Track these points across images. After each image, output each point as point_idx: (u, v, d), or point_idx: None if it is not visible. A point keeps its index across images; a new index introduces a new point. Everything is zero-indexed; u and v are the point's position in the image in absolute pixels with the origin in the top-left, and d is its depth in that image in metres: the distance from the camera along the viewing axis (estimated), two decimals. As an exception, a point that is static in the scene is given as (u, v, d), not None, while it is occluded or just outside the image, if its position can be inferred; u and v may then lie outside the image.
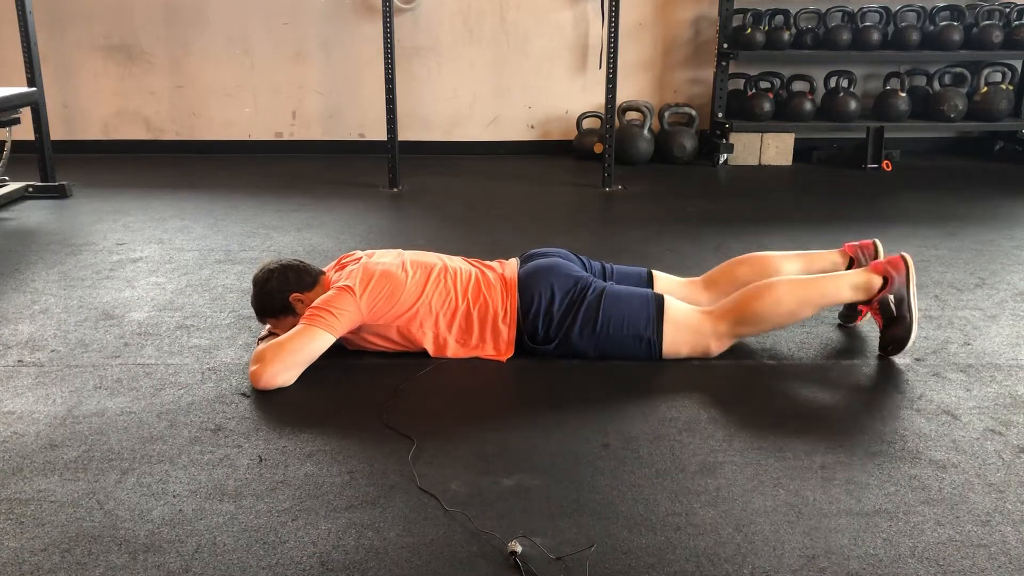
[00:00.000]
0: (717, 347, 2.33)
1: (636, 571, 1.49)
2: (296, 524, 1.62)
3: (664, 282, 2.52)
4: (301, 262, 2.38)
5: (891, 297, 2.30)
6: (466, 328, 2.32)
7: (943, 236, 3.58)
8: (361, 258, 2.41)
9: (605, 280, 2.45)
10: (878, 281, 2.31)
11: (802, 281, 2.35)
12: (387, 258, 2.36)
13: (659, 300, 2.31)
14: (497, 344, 2.33)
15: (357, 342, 2.33)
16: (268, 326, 2.38)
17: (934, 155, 5.52)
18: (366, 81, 5.35)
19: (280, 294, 2.30)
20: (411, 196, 4.42)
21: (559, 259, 2.42)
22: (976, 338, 2.52)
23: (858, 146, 5.19)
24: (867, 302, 2.35)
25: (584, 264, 2.49)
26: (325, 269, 2.43)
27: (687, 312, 2.33)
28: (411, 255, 2.40)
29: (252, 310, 2.38)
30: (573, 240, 3.48)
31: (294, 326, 2.24)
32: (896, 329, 2.33)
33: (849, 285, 2.33)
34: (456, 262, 2.42)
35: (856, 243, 2.58)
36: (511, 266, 2.44)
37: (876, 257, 2.53)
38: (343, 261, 2.44)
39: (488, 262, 2.48)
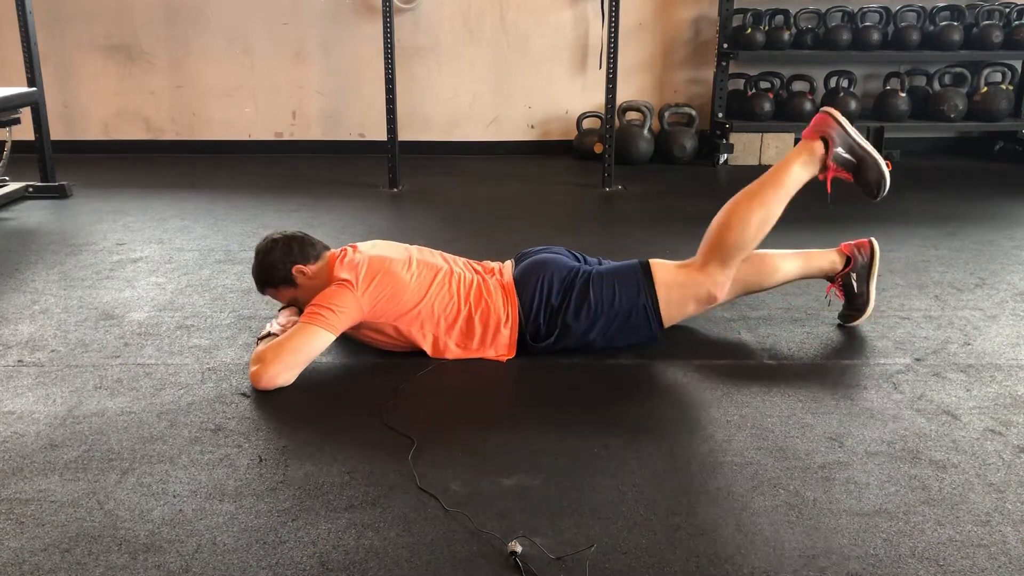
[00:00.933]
0: (718, 290, 2.34)
1: (636, 571, 1.49)
2: (296, 524, 1.62)
3: (659, 262, 2.52)
4: (305, 234, 2.37)
5: (840, 150, 2.33)
6: (467, 333, 2.32)
7: (943, 236, 3.58)
8: (368, 247, 2.38)
9: None
10: (819, 145, 2.34)
11: (754, 188, 2.38)
12: (395, 254, 2.34)
13: (644, 264, 2.34)
14: (498, 348, 2.33)
15: (354, 336, 2.33)
16: (268, 327, 2.38)
17: (934, 155, 5.52)
18: (366, 81, 5.35)
19: (283, 265, 2.29)
20: (411, 196, 4.42)
21: (549, 254, 2.43)
22: (976, 338, 2.52)
23: (858, 146, 5.19)
24: (823, 168, 2.36)
25: (578, 259, 2.49)
26: (334, 249, 2.41)
27: (673, 269, 2.36)
28: (418, 254, 2.40)
29: (253, 310, 2.39)
30: (573, 240, 3.46)
31: (293, 297, 2.26)
32: (866, 173, 2.36)
33: (797, 164, 2.36)
34: (460, 266, 2.42)
35: (853, 242, 2.58)
36: (507, 270, 2.44)
37: (873, 256, 2.55)
38: (355, 246, 2.41)
39: (488, 265, 2.48)
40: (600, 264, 2.51)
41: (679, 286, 2.33)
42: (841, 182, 2.40)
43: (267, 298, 2.77)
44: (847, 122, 2.34)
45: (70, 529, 1.61)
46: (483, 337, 2.32)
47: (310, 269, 2.30)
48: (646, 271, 2.34)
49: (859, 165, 2.34)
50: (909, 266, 3.19)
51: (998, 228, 3.72)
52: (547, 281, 2.32)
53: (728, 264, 2.34)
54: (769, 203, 2.34)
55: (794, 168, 2.36)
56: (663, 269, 2.36)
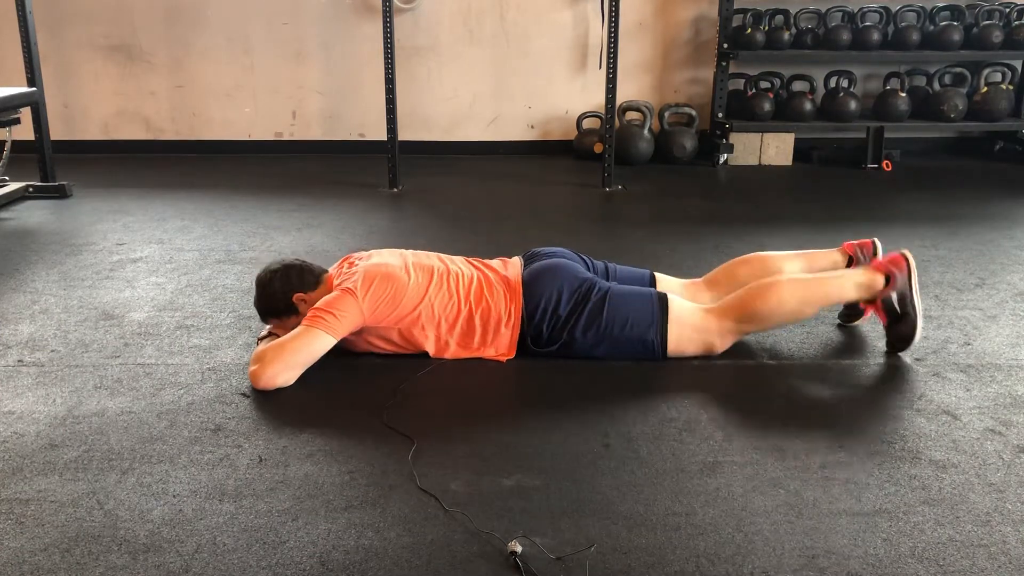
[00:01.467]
0: (721, 345, 2.33)
1: (636, 571, 1.49)
2: (296, 524, 1.62)
3: (666, 284, 2.52)
4: (303, 262, 2.38)
5: (894, 295, 2.31)
6: (468, 331, 2.32)
7: (943, 236, 3.58)
8: (364, 257, 2.41)
9: (608, 280, 2.45)
10: (881, 280, 2.32)
11: (805, 280, 2.35)
12: (391, 260, 2.36)
13: (663, 299, 2.32)
14: (499, 347, 2.33)
15: (359, 344, 2.33)
16: (269, 326, 2.38)
17: (934, 155, 5.52)
18: (366, 81, 5.35)
19: (283, 295, 2.30)
20: (411, 196, 4.42)
21: (563, 259, 2.41)
22: (976, 338, 2.52)
23: (858, 146, 5.19)
24: (870, 301, 2.36)
25: (587, 264, 2.48)
26: (329, 269, 2.43)
27: (691, 311, 2.34)
28: (414, 257, 2.40)
29: (252, 310, 2.39)
30: (574, 240, 3.47)
31: (298, 321, 2.25)
32: (901, 327, 2.34)
33: (853, 284, 2.35)
34: (458, 264, 2.42)
35: (855, 242, 2.58)
36: (514, 266, 2.43)
37: (875, 256, 2.54)
38: (348, 260, 2.44)
39: (489, 262, 2.47)
40: (607, 269, 2.50)
41: (690, 327, 2.31)
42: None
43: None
44: (916, 274, 2.33)
45: (70, 529, 1.61)
46: (484, 335, 2.32)
47: (310, 296, 2.31)
48: (663, 306, 2.31)
49: (901, 318, 2.34)
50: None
51: (998, 228, 3.72)
52: (557, 290, 2.30)
53: (742, 328, 2.34)
54: (809, 300, 2.32)
55: (848, 285, 2.36)
56: (680, 307, 2.33)
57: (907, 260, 2.33)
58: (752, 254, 2.59)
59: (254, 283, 2.38)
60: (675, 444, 1.92)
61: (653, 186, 4.68)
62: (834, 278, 2.38)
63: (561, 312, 2.30)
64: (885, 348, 2.41)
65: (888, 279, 2.32)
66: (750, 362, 2.37)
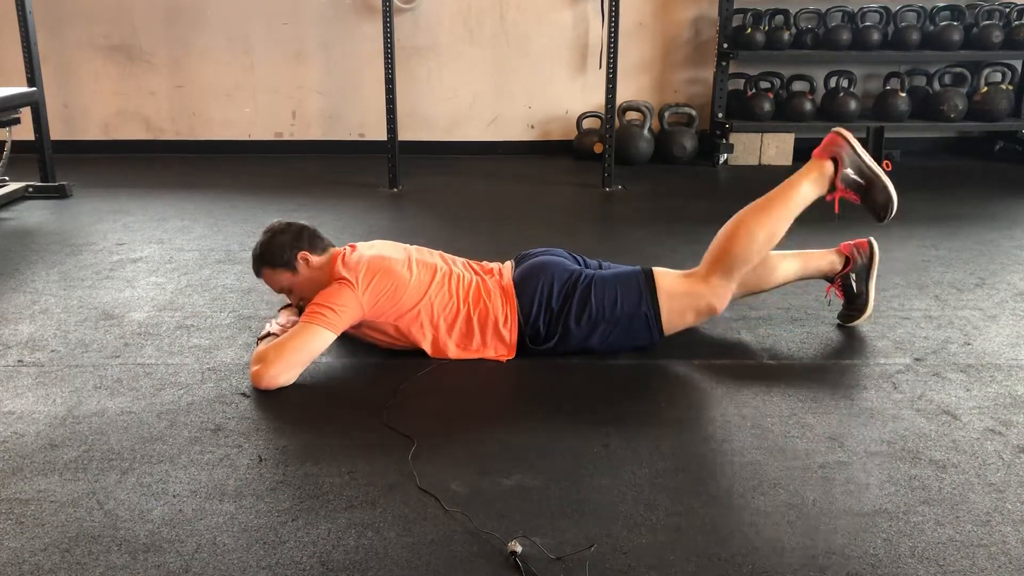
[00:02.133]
0: (719, 302, 2.33)
1: (636, 571, 1.49)
2: (296, 524, 1.62)
3: (662, 270, 2.52)
4: (316, 228, 2.40)
5: (849, 171, 2.35)
6: (466, 333, 2.32)
7: (943, 236, 3.58)
8: (366, 248, 2.39)
9: None
10: (828, 164, 2.36)
11: (762, 203, 2.37)
12: (394, 253, 2.35)
13: (647, 272, 2.33)
14: (498, 349, 2.33)
15: (354, 334, 2.33)
16: (268, 326, 2.38)
17: (934, 155, 5.52)
18: (366, 81, 5.35)
19: (291, 248, 2.30)
20: (411, 196, 4.42)
21: (550, 256, 2.43)
22: (976, 338, 2.52)
23: (858, 146, 5.19)
24: (832, 189, 2.38)
25: (579, 262, 2.49)
26: (337, 248, 2.42)
27: (676, 278, 2.35)
28: (417, 253, 2.40)
29: (253, 310, 2.39)
30: (573, 240, 3.48)
31: (287, 287, 2.29)
32: (875, 195, 2.39)
33: (806, 181, 2.37)
34: (458, 267, 2.42)
35: (852, 242, 2.59)
36: (507, 271, 2.44)
37: (872, 256, 2.55)
38: (352, 246, 2.42)
39: (487, 266, 2.48)
40: (601, 267, 2.51)
41: (681, 295, 2.32)
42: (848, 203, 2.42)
43: (266, 297, 2.78)
44: (858, 143, 2.35)
45: (70, 529, 1.61)
46: (482, 338, 2.32)
47: (315, 260, 2.31)
48: (648, 279, 2.33)
49: (868, 187, 2.36)
50: (909, 266, 3.19)
51: (998, 228, 3.72)
52: (547, 285, 2.31)
53: (731, 277, 2.33)
54: (776, 219, 2.34)
55: (803, 186, 2.37)
56: (666, 278, 2.35)
57: (841, 135, 2.36)
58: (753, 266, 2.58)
59: (263, 231, 2.37)
60: (676, 444, 1.92)
61: (653, 186, 4.68)
62: (786, 185, 2.38)
63: (554, 305, 2.30)
64: (872, 215, 2.44)
65: (836, 161, 2.34)
66: (750, 362, 2.37)
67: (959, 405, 2.11)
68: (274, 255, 2.32)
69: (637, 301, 2.30)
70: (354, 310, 2.21)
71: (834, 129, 2.38)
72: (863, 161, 2.34)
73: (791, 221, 2.38)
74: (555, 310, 2.31)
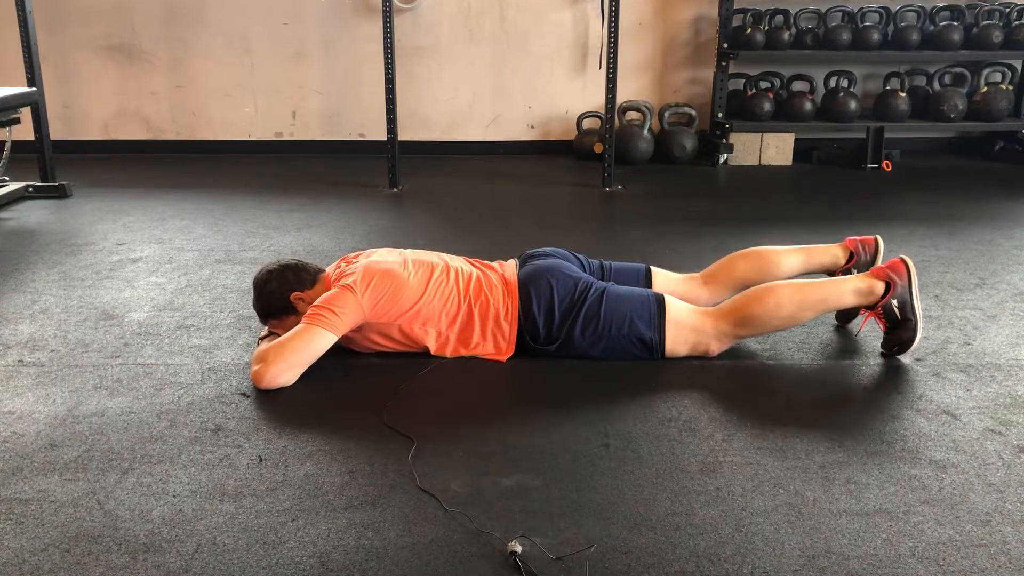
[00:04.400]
0: (717, 347, 2.33)
1: (636, 571, 1.49)
2: (296, 524, 1.62)
3: (663, 278, 2.53)
4: (299, 261, 2.38)
5: (894, 302, 2.29)
6: (467, 327, 2.32)
7: (943, 236, 3.58)
8: (362, 256, 2.42)
9: (604, 279, 2.45)
10: (880, 287, 2.30)
11: (804, 285, 2.34)
12: (389, 257, 2.37)
13: (660, 300, 2.32)
14: (498, 343, 2.33)
15: (360, 342, 2.33)
16: (268, 326, 2.38)
17: (934, 155, 5.52)
18: (366, 81, 5.35)
19: (281, 295, 2.30)
20: (411, 196, 4.42)
21: (557, 259, 2.42)
22: (976, 338, 2.52)
23: (858, 146, 5.19)
24: (870, 307, 2.34)
25: (582, 263, 2.49)
26: (327, 268, 2.43)
27: (688, 312, 2.33)
28: (412, 254, 2.41)
29: (252, 310, 2.39)
30: (573, 240, 3.48)
31: (298, 320, 2.25)
32: (901, 332, 2.32)
33: (851, 290, 2.32)
34: (457, 262, 2.43)
35: (857, 237, 2.58)
36: (510, 267, 2.44)
37: (877, 253, 2.54)
38: (345, 260, 2.44)
39: (488, 263, 2.48)
40: (603, 267, 2.51)
41: (687, 328, 2.31)
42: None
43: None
44: (916, 280, 2.30)
45: (70, 529, 1.61)
46: (483, 331, 2.32)
47: (308, 295, 2.31)
48: (661, 308, 2.31)
49: (901, 323, 2.31)
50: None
51: (998, 228, 3.72)
52: (551, 288, 2.31)
53: (738, 332, 2.33)
54: (807, 305, 2.30)
55: (847, 291, 2.32)
56: (677, 308, 2.33)
57: (907, 266, 2.31)
58: (751, 249, 2.58)
59: (251, 285, 2.38)
60: (675, 444, 1.92)
61: (653, 186, 4.68)
62: (833, 284, 2.36)
63: (556, 311, 2.30)
64: (881, 349, 2.40)
65: (888, 286, 2.30)
66: (750, 362, 2.37)
67: (959, 405, 2.11)
68: (271, 306, 2.33)
69: (645, 326, 2.29)
70: (355, 312, 2.21)
71: (904, 256, 2.33)
72: (911, 301, 2.29)
73: (816, 315, 2.36)
74: (557, 316, 2.30)
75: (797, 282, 2.36)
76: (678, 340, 2.31)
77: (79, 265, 3.21)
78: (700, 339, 2.31)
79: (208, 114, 5.47)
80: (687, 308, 2.35)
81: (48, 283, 3.01)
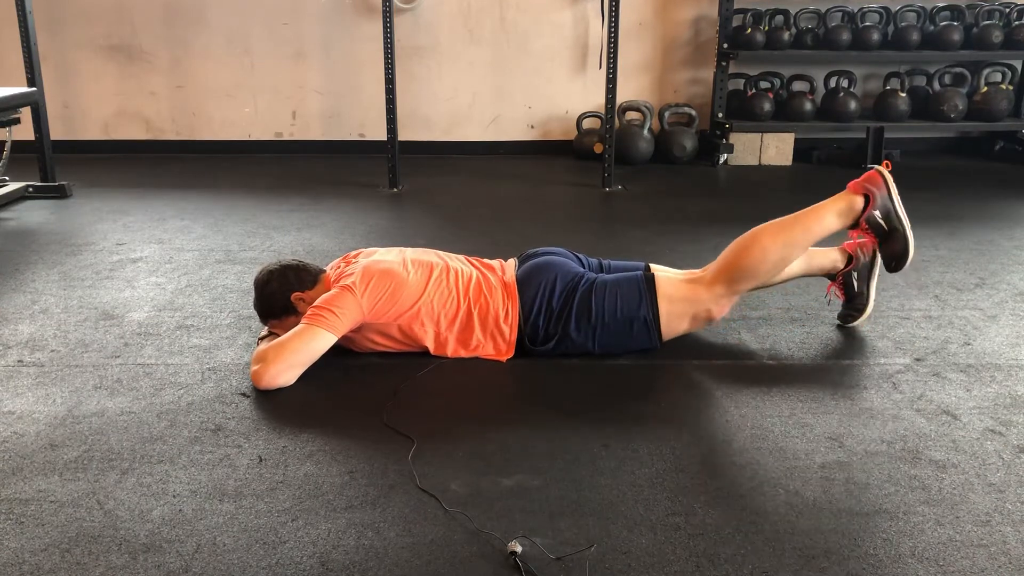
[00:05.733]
0: (719, 310, 2.32)
1: (636, 571, 1.49)
2: (296, 524, 1.62)
3: (663, 275, 2.52)
4: (300, 262, 2.38)
5: (877, 213, 2.28)
6: (467, 327, 2.32)
7: (943, 236, 3.58)
8: (362, 255, 2.42)
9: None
10: (860, 201, 2.30)
11: (783, 223, 2.33)
12: (388, 256, 2.37)
13: (648, 277, 2.32)
14: (497, 344, 2.33)
15: (359, 342, 2.33)
16: (268, 326, 2.38)
17: (934, 155, 5.52)
18: (366, 81, 5.35)
19: (281, 295, 2.30)
20: (411, 196, 4.42)
21: (555, 257, 2.42)
22: (976, 338, 2.52)
23: (858, 146, 5.20)
24: (854, 225, 2.33)
25: (582, 262, 2.49)
26: (327, 268, 2.43)
27: (678, 283, 2.33)
28: (412, 254, 2.41)
29: (252, 310, 2.39)
30: (573, 240, 3.47)
31: (299, 320, 2.25)
32: (892, 244, 2.32)
33: (833, 212, 2.32)
34: (457, 262, 2.43)
35: (855, 240, 2.57)
36: (510, 267, 2.44)
37: (875, 256, 2.54)
38: (345, 259, 2.44)
39: (488, 262, 2.48)
40: (602, 265, 2.51)
41: (680, 300, 2.31)
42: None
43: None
44: (895, 188, 2.29)
45: (70, 529, 1.61)
46: (483, 332, 2.32)
47: (309, 295, 2.31)
48: (650, 284, 2.31)
49: (889, 234, 2.31)
50: (909, 266, 3.16)
51: (998, 228, 3.72)
52: (549, 285, 2.31)
53: (735, 288, 2.32)
54: (793, 242, 2.30)
55: (828, 215, 2.33)
56: (667, 283, 2.33)
57: (882, 175, 2.29)
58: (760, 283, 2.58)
59: (252, 285, 2.38)
60: (675, 444, 1.92)
61: (653, 186, 4.68)
62: (812, 212, 2.34)
63: (555, 306, 2.30)
64: (885, 267, 2.40)
65: (867, 198, 2.29)
66: (750, 362, 2.37)
67: (959, 405, 2.11)
68: (272, 307, 2.33)
69: (637, 305, 2.29)
70: (354, 312, 2.21)
71: (876, 167, 2.32)
72: (893, 207, 2.29)
73: (807, 247, 2.36)
74: (555, 311, 2.30)
75: (777, 222, 2.35)
76: (674, 315, 2.30)
77: (79, 265, 3.21)
78: (698, 308, 2.31)
79: (208, 114, 5.47)
80: (676, 280, 2.34)
81: (48, 283, 3.01)
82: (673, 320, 2.31)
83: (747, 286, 2.35)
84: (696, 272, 2.56)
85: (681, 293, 2.31)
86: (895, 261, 2.35)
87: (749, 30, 5.02)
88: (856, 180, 2.36)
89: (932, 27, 5.11)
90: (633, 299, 2.29)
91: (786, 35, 5.04)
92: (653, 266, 2.54)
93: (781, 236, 2.30)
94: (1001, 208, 4.11)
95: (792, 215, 2.36)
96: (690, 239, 3.59)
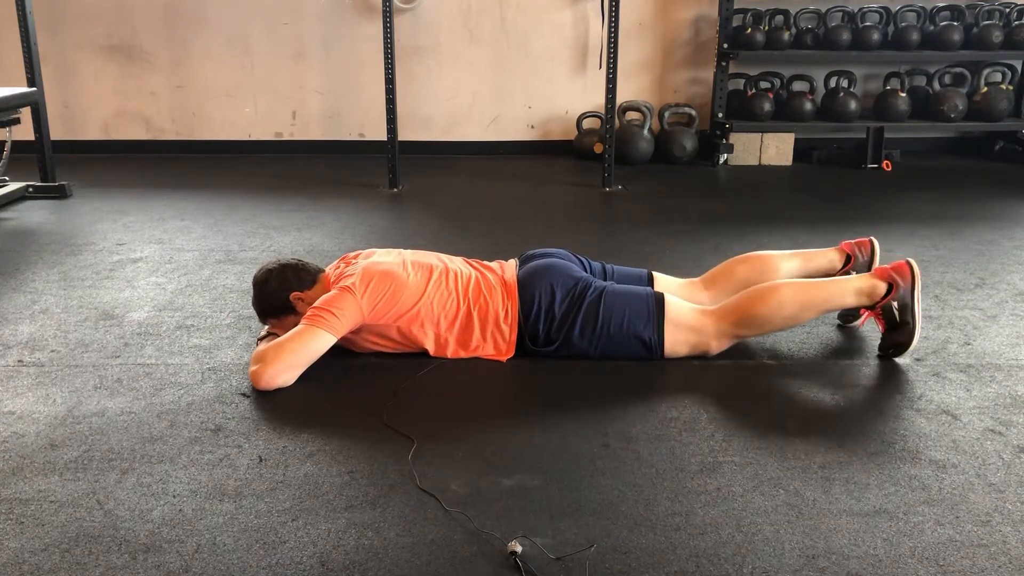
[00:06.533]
0: (717, 347, 2.33)
1: (636, 571, 1.49)
2: (296, 524, 1.62)
3: (664, 283, 2.52)
4: (300, 261, 2.38)
5: (895, 304, 2.29)
6: (467, 328, 2.32)
7: (943, 236, 3.58)
8: (361, 256, 2.42)
9: (605, 280, 2.45)
10: (882, 287, 2.30)
11: (806, 285, 2.34)
12: (388, 258, 2.37)
13: (659, 299, 2.31)
14: (498, 345, 2.33)
15: (359, 343, 2.33)
16: (268, 326, 2.38)
17: (934, 155, 5.52)
18: (366, 81, 5.35)
19: (280, 294, 2.30)
20: (411, 196, 4.42)
21: (558, 259, 2.42)
22: (976, 338, 2.52)
23: (858, 146, 5.19)
24: (870, 307, 2.34)
25: (584, 264, 2.48)
26: (326, 268, 2.43)
27: (688, 311, 2.33)
28: (411, 255, 2.41)
29: (252, 310, 2.39)
30: (573, 240, 3.48)
31: (296, 325, 2.25)
32: (898, 335, 2.32)
33: (853, 290, 2.32)
34: (456, 263, 2.43)
35: (853, 241, 2.58)
36: (510, 268, 2.44)
37: (873, 255, 2.54)
38: (345, 260, 2.44)
39: (488, 263, 2.48)
40: (605, 270, 2.50)
41: (687, 330, 2.31)
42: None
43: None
44: (919, 284, 2.30)
45: (70, 529, 1.61)
46: (483, 333, 2.32)
47: (308, 295, 2.30)
48: (660, 305, 2.30)
49: (899, 326, 2.31)
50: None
51: (998, 228, 3.72)
52: (551, 288, 2.31)
53: (739, 332, 2.32)
54: (811, 304, 2.30)
55: (848, 291, 2.32)
56: (677, 308, 2.32)
57: (911, 269, 2.30)
58: (750, 253, 2.59)
59: (251, 283, 2.38)
60: (675, 444, 1.92)
61: (653, 186, 4.68)
62: (835, 283, 2.36)
63: (556, 312, 2.30)
64: (878, 352, 2.40)
65: (890, 287, 2.30)
66: (750, 362, 2.37)
67: (959, 405, 2.11)
68: (270, 306, 2.33)
69: (643, 325, 2.29)
70: (354, 313, 2.21)
71: (909, 260, 2.33)
72: (912, 304, 2.29)
73: (819, 314, 2.37)
74: (557, 316, 2.30)
75: (799, 281, 2.36)
76: (677, 341, 2.31)
77: (79, 265, 3.21)
78: (700, 339, 2.31)
79: (208, 114, 5.47)
80: (687, 307, 2.34)
81: (48, 283, 3.01)
82: (675, 345, 2.31)
83: (751, 333, 2.36)
84: (696, 281, 2.57)
85: (688, 322, 2.31)
86: (894, 350, 2.35)
87: (749, 30, 5.02)
88: (885, 266, 2.35)
89: (932, 27, 5.11)
90: (640, 317, 2.29)
91: (786, 35, 5.04)
92: (657, 276, 2.54)
93: (800, 296, 2.29)
94: (1001, 208, 4.11)
95: (816, 280, 2.37)
96: (690, 239, 3.59)
